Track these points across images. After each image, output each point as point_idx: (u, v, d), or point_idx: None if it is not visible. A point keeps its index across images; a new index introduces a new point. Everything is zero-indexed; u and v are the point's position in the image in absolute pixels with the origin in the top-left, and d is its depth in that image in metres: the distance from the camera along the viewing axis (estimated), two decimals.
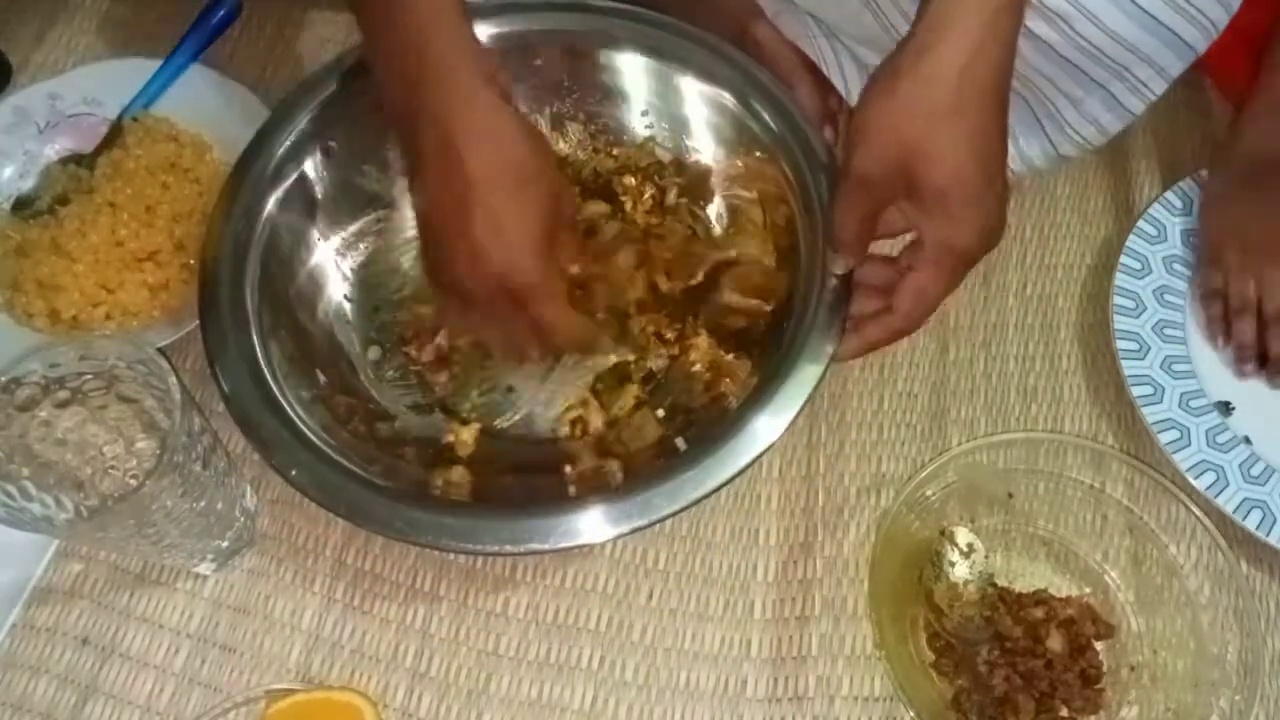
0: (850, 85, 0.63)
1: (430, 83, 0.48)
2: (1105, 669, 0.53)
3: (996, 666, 0.52)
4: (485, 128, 0.48)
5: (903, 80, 0.46)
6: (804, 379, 0.52)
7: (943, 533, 0.54)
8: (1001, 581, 0.55)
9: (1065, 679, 0.52)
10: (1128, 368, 0.60)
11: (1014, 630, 0.53)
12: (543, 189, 0.50)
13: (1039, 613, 0.53)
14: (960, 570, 0.54)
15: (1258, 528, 0.55)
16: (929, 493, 0.54)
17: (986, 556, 0.54)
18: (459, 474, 0.56)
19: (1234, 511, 0.56)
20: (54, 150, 0.68)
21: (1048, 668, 0.52)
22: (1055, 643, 0.52)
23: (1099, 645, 0.54)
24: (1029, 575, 0.56)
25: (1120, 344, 0.60)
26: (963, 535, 0.54)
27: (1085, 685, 0.52)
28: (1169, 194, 0.65)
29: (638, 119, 0.64)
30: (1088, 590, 0.55)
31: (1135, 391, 0.59)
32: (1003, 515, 0.57)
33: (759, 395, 0.52)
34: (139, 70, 0.69)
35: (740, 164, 0.63)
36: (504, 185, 0.48)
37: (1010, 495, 0.56)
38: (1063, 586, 0.55)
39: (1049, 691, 0.52)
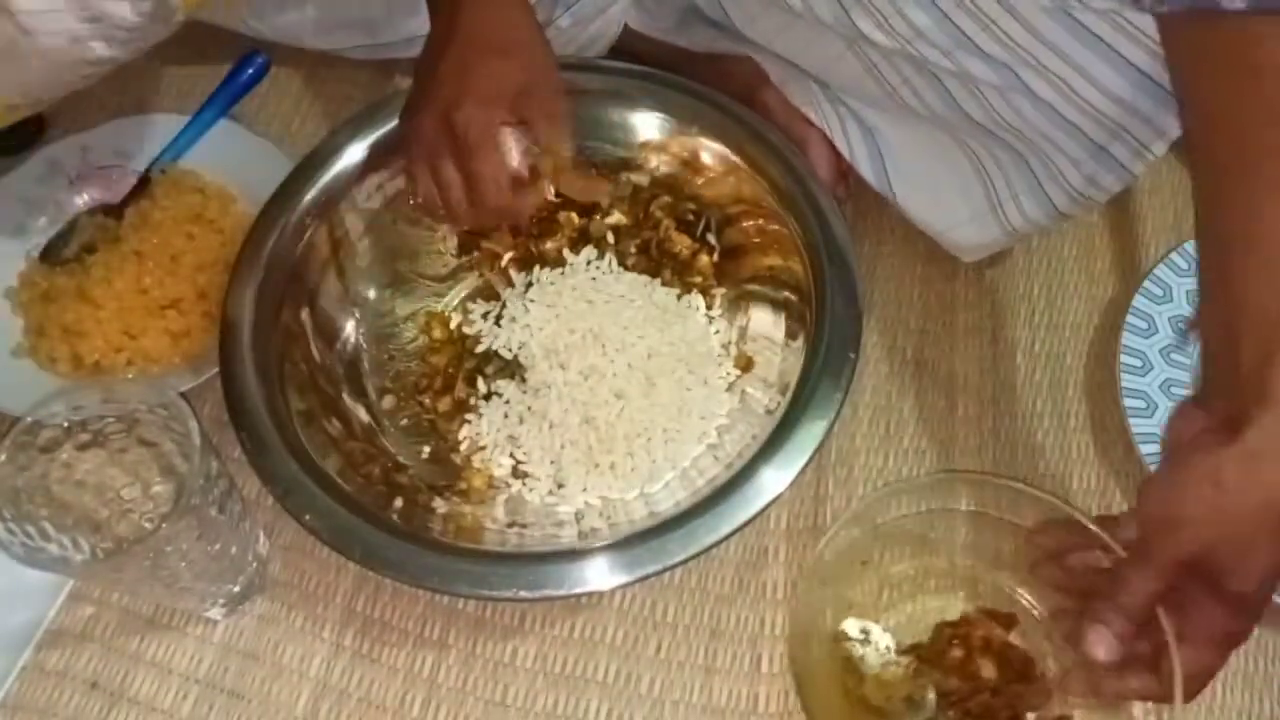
0: (855, 149, 0.64)
1: None
2: (1035, 655, 0.52)
3: None
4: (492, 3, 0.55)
5: (1231, 473, 0.41)
6: (811, 432, 0.53)
7: (835, 638, 0.53)
8: (908, 638, 0.54)
9: (1014, 690, 0.51)
10: (1135, 426, 0.60)
11: (951, 682, 0.52)
12: (517, 64, 0.55)
13: (959, 653, 0.52)
14: (872, 659, 0.53)
15: None
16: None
17: (884, 630, 0.53)
18: (472, 520, 0.56)
19: None
20: (84, 201, 0.70)
21: (996, 694, 0.51)
22: (988, 670, 0.51)
23: (1015, 639, 0.53)
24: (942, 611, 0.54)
25: (1128, 402, 0.61)
26: (851, 626, 0.53)
27: (1030, 683, 0.51)
28: (1174, 255, 0.66)
29: (648, 175, 0.66)
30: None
31: (1143, 449, 0.59)
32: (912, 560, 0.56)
33: (767, 447, 0.53)
34: (168, 125, 0.72)
35: (750, 224, 0.64)
36: (483, 47, 0.55)
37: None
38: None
39: (1013, 712, 0.51)
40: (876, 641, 0.53)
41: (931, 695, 0.52)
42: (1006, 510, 0.53)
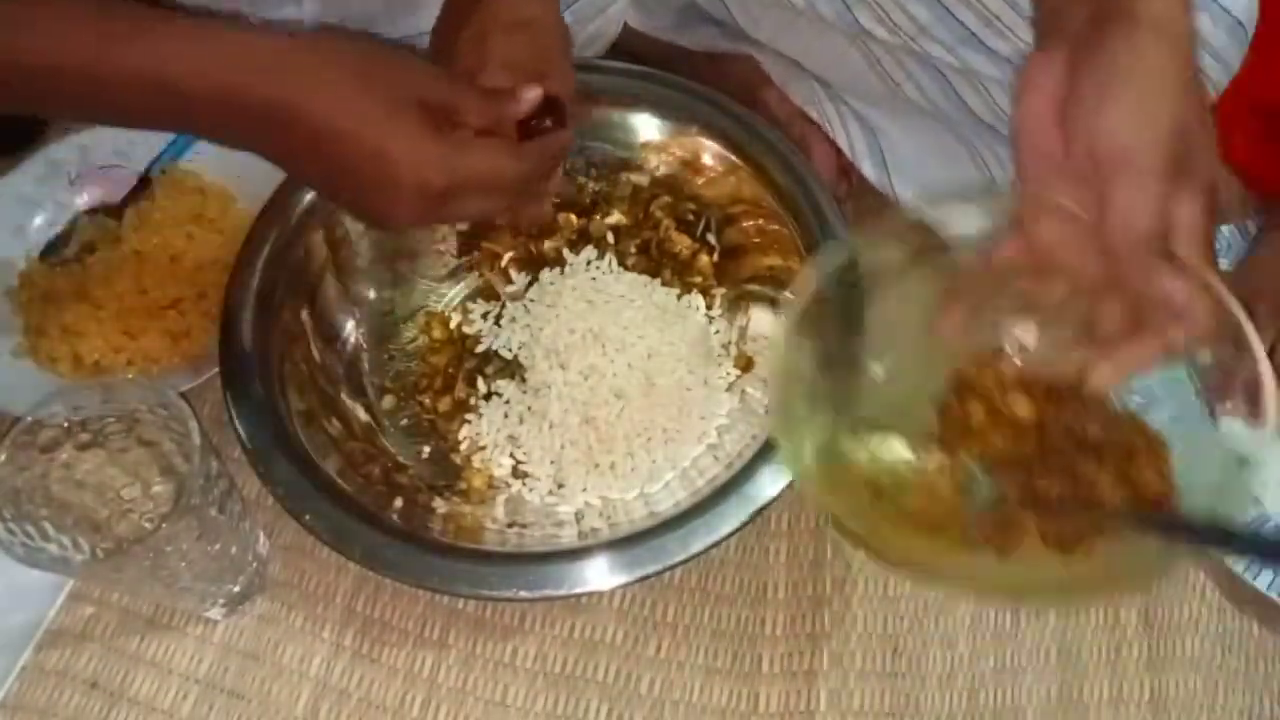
0: (855, 145, 0.64)
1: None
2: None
3: (1037, 481, 0.40)
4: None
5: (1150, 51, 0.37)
6: None
7: (851, 473, 0.42)
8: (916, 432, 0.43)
9: (1055, 415, 0.41)
10: None
11: (993, 444, 0.41)
12: (535, 43, 0.51)
13: (979, 406, 0.42)
14: (901, 473, 0.42)
15: (1269, 588, 0.55)
16: None
17: (886, 438, 0.43)
18: (472, 520, 0.56)
19: (1244, 571, 0.55)
20: (83, 200, 0.70)
21: (1042, 429, 0.41)
22: (1021, 406, 0.41)
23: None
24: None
25: (1130, 398, 0.61)
26: (855, 451, 0.42)
27: (1063, 397, 0.41)
28: None
29: (648, 175, 0.66)
30: None
31: None
32: None
33: (767, 447, 0.53)
34: None
35: (750, 224, 0.64)
36: (505, 22, 0.49)
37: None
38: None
39: (1074, 436, 0.41)
40: (889, 452, 0.43)
41: (981, 470, 0.42)
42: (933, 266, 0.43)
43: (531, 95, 0.50)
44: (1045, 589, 0.42)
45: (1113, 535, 0.39)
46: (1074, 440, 0.41)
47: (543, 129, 0.51)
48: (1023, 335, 0.43)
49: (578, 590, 0.50)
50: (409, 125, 0.45)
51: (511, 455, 0.59)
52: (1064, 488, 0.40)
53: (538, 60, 0.54)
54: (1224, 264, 0.66)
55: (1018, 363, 0.43)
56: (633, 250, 0.65)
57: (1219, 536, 0.39)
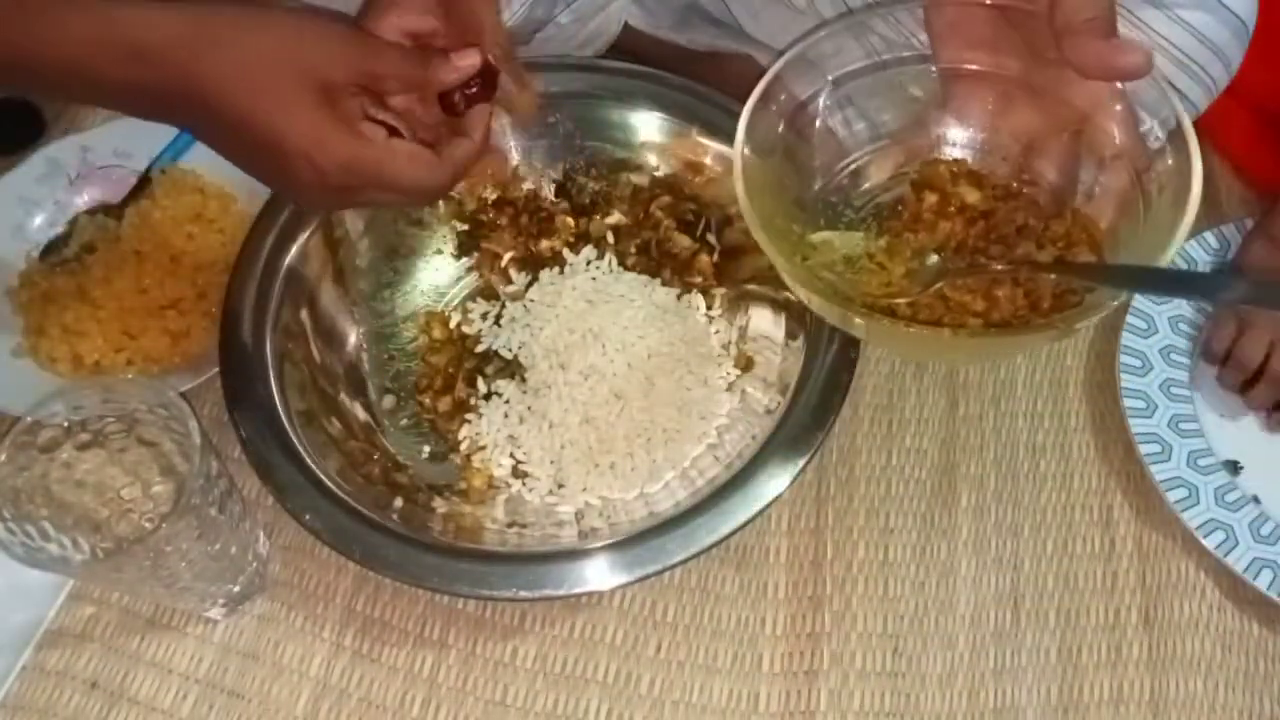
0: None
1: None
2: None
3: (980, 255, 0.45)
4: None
5: None
6: (811, 432, 0.53)
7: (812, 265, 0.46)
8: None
9: (1007, 208, 0.46)
10: (1135, 426, 0.60)
11: (941, 229, 0.46)
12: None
13: (933, 197, 0.47)
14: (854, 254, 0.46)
15: (1269, 588, 0.55)
16: None
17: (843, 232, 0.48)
18: (472, 520, 0.56)
19: (1244, 571, 0.55)
20: (83, 200, 0.70)
21: (989, 216, 0.46)
22: (970, 194, 0.46)
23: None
24: None
25: (1127, 402, 0.61)
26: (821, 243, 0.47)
27: (1017, 197, 0.46)
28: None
29: (648, 175, 0.66)
30: None
31: (1143, 449, 0.59)
32: None
33: (767, 447, 0.53)
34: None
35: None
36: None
37: None
38: None
39: (1020, 222, 0.46)
40: (845, 241, 0.48)
41: (933, 257, 0.46)
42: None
43: (466, 64, 0.47)
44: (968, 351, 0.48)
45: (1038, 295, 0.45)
46: (1016, 228, 0.46)
47: (468, 97, 0.47)
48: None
49: (578, 590, 0.50)
50: (311, 116, 0.44)
51: (511, 455, 0.59)
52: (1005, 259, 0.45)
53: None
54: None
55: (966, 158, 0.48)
56: (633, 250, 0.65)
57: (1135, 276, 0.44)
